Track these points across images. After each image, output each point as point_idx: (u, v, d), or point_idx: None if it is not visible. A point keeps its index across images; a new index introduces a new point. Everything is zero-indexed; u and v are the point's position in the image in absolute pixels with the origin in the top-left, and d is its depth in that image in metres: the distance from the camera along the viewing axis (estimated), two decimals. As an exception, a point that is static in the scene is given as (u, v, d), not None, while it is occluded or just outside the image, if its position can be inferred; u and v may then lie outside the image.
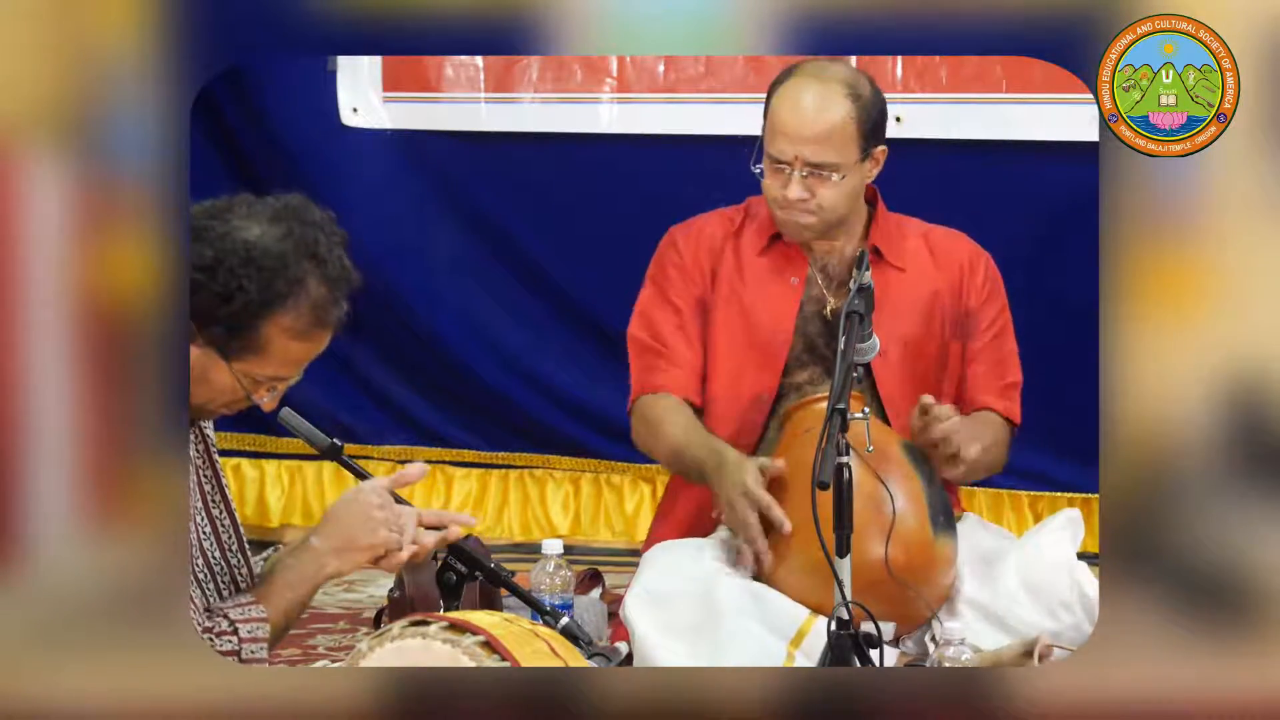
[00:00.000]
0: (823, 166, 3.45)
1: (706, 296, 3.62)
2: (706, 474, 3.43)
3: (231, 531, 2.87)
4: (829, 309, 3.55)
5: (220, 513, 2.85)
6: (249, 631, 2.73)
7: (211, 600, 2.77)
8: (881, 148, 3.54)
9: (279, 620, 2.78)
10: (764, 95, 3.56)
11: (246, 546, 2.90)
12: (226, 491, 2.89)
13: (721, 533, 3.50)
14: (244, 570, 2.87)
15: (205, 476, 2.84)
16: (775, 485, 3.31)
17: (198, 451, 2.82)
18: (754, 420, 3.53)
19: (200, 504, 2.77)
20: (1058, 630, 3.23)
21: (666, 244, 3.69)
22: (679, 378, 3.59)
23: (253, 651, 2.73)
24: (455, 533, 2.89)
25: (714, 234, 3.65)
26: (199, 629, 2.68)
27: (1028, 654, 3.05)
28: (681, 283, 3.63)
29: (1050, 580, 3.29)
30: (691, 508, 3.61)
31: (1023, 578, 3.31)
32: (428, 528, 2.87)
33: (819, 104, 3.46)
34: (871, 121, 3.49)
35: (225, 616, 2.73)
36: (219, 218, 2.68)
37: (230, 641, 2.72)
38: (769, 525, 3.26)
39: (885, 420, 3.49)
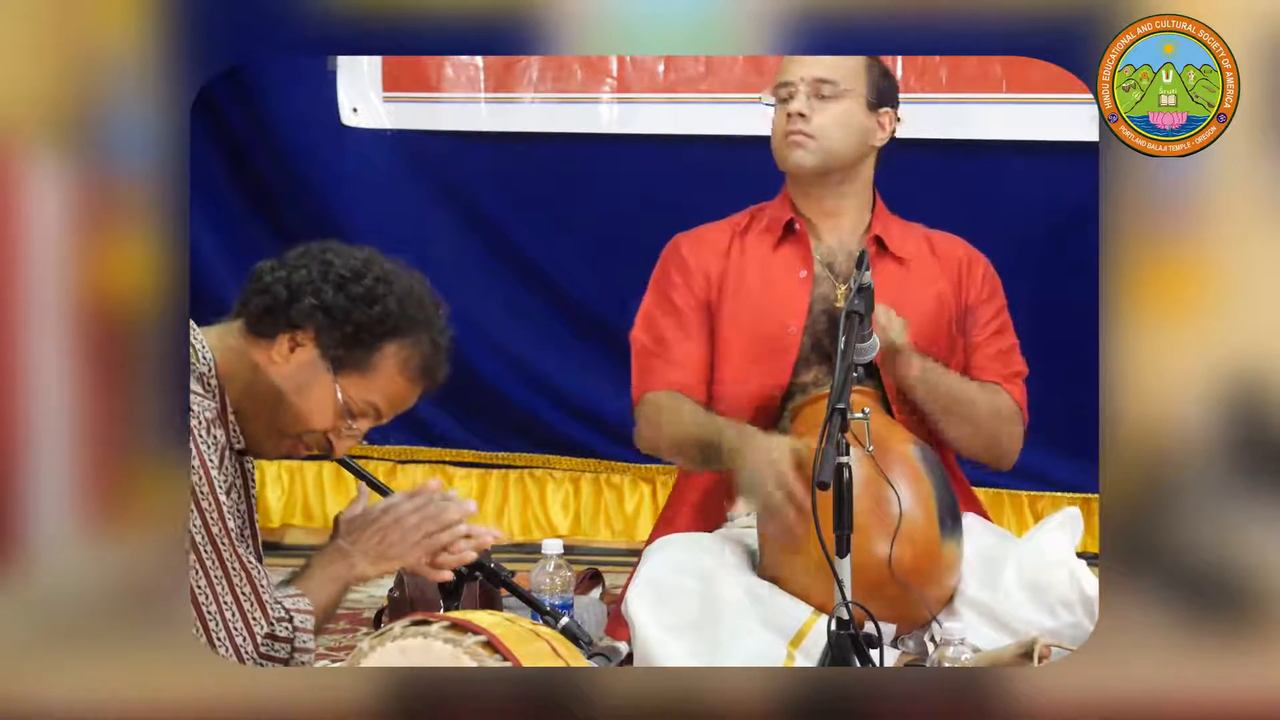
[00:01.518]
0: (825, 81, 3.52)
1: (712, 299, 3.62)
2: (726, 450, 3.39)
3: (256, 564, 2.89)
4: (839, 300, 3.56)
5: (247, 549, 2.86)
6: (301, 622, 2.77)
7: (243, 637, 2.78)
8: (888, 111, 3.60)
9: (319, 616, 2.81)
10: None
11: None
12: (256, 525, 2.90)
13: (725, 529, 3.50)
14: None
15: (239, 511, 2.84)
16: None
17: (236, 488, 2.83)
18: (764, 419, 3.52)
19: (226, 540, 2.76)
20: (1057, 629, 3.23)
21: (671, 250, 3.70)
22: (681, 378, 3.59)
23: (304, 641, 2.76)
24: (487, 541, 2.97)
25: (719, 238, 3.67)
26: (260, 631, 2.73)
27: (1027, 654, 3.05)
28: (685, 287, 3.64)
29: (1050, 579, 3.29)
30: (695, 515, 3.60)
31: (1022, 577, 3.31)
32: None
33: None
34: (880, 74, 3.61)
35: (280, 604, 2.76)
36: (363, 247, 2.82)
37: (286, 628, 2.74)
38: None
39: (891, 415, 3.49)
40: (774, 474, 3.23)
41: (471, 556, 2.95)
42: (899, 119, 3.64)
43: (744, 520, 3.50)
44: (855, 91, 3.55)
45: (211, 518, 2.67)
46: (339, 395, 2.77)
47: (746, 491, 3.35)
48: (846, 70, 3.55)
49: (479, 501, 5.10)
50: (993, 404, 3.55)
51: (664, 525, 3.70)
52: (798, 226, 3.61)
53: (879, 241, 3.58)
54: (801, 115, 3.53)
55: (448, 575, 2.94)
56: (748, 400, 3.55)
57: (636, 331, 3.69)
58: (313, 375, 2.77)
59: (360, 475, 3.27)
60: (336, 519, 2.96)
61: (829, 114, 3.54)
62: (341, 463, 3.09)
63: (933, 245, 3.66)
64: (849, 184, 3.61)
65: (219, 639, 2.68)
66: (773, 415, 3.53)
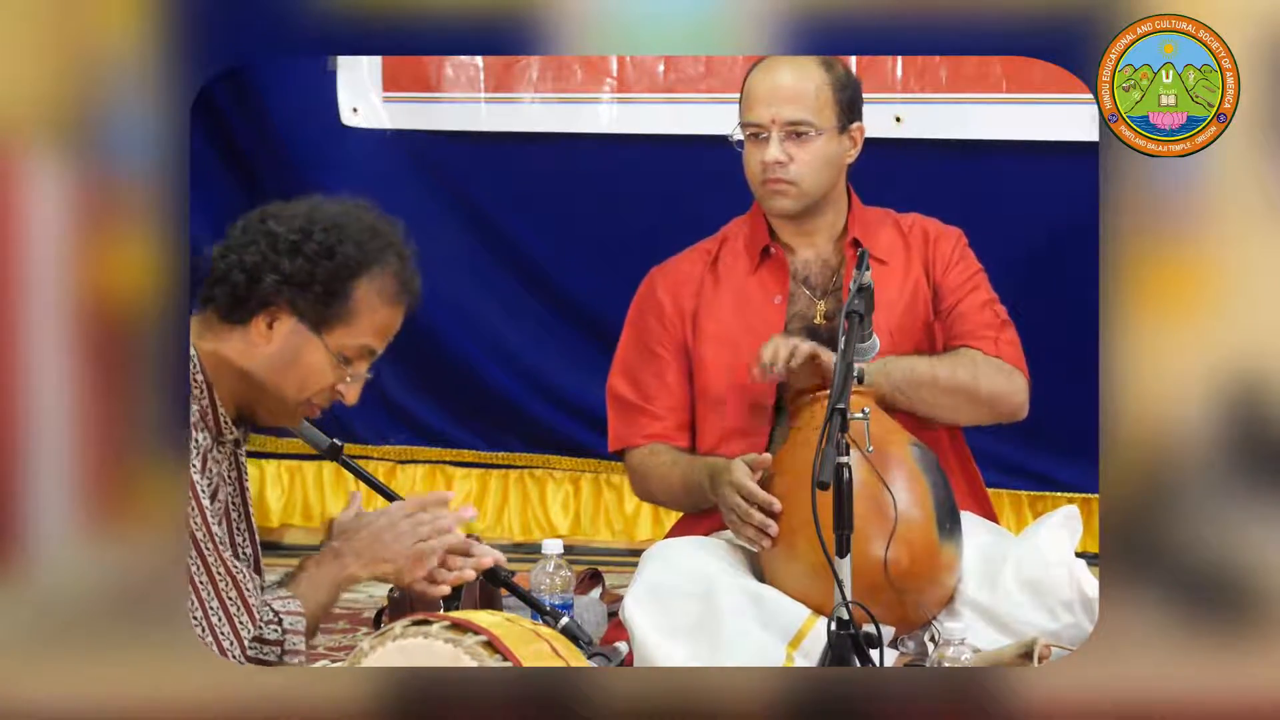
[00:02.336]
0: (800, 124, 3.47)
1: (688, 339, 3.62)
2: (706, 490, 3.43)
3: (250, 557, 2.88)
4: (817, 317, 3.55)
5: (243, 540, 2.85)
6: (291, 624, 2.76)
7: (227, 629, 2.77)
8: (859, 125, 3.56)
9: (311, 618, 2.80)
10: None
11: (263, 568, 2.92)
12: (252, 518, 2.90)
13: (725, 532, 3.50)
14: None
15: (234, 504, 2.84)
16: (777, 485, 3.31)
17: (229, 479, 2.83)
18: (758, 439, 3.52)
19: (210, 545, 2.76)
20: (1057, 630, 3.23)
21: (646, 289, 3.69)
22: (661, 428, 3.61)
23: (294, 644, 2.77)
24: (486, 562, 2.96)
25: (691, 273, 3.65)
26: (247, 635, 2.72)
27: (1027, 655, 3.05)
28: (660, 329, 3.64)
29: (1049, 579, 3.29)
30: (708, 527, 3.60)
31: (1022, 577, 3.31)
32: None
33: (793, 71, 3.51)
34: (847, 93, 3.54)
35: (269, 607, 2.75)
36: (297, 201, 2.79)
37: (275, 630, 2.74)
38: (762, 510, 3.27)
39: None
40: (732, 499, 3.28)
41: (470, 575, 2.94)
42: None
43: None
44: (827, 126, 3.49)
45: (195, 523, 2.67)
46: (330, 351, 2.76)
47: (725, 517, 3.38)
48: (816, 106, 3.48)
49: (479, 502, 5.10)
50: (954, 367, 3.52)
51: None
52: (774, 251, 3.60)
53: (855, 244, 3.56)
54: (779, 163, 3.48)
55: (445, 590, 2.94)
56: (737, 430, 3.54)
57: (614, 381, 3.69)
58: (299, 342, 2.75)
59: (359, 475, 3.27)
60: (330, 522, 2.96)
61: (805, 156, 3.49)
62: (341, 462, 3.09)
63: (905, 236, 3.63)
64: (827, 205, 3.58)
65: (206, 644, 2.67)
66: (767, 438, 3.52)
